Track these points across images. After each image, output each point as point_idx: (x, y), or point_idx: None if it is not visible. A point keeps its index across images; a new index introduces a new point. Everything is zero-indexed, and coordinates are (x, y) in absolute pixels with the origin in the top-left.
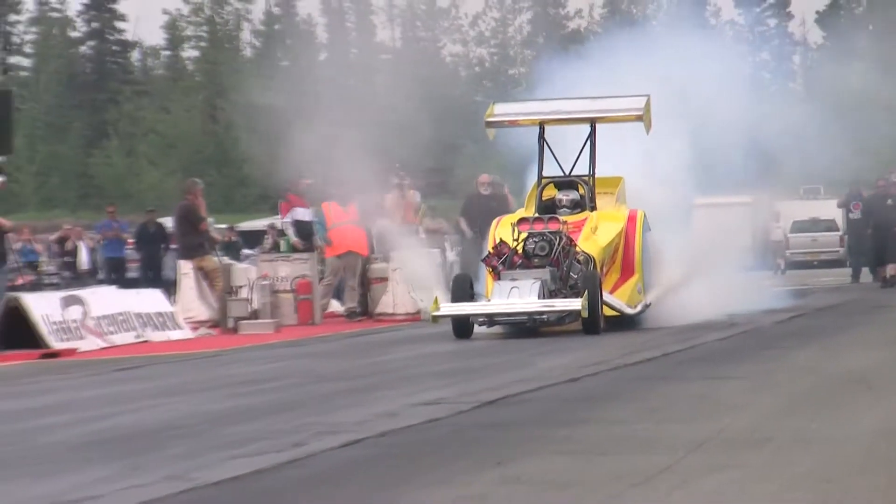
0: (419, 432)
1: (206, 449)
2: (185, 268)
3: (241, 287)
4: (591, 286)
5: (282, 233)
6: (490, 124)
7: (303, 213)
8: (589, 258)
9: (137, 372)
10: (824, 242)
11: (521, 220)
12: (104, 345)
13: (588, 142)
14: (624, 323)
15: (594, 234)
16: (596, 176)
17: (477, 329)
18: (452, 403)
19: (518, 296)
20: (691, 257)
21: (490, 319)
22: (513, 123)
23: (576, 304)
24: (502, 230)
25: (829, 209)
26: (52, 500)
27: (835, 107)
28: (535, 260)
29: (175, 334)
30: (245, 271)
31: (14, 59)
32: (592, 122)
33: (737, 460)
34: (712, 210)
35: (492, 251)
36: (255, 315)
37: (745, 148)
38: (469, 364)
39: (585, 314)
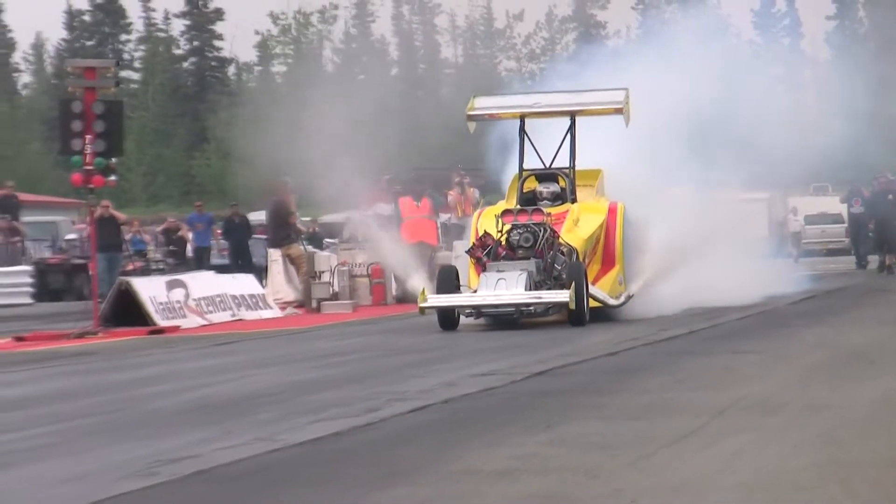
0: (477, 400)
1: (290, 414)
2: (275, 255)
3: (323, 272)
4: (576, 278)
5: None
6: (471, 118)
7: (382, 208)
8: (572, 250)
9: (232, 346)
10: (831, 233)
11: (506, 212)
12: (203, 323)
13: (568, 135)
14: (631, 310)
15: (576, 226)
16: (576, 168)
17: (463, 320)
18: (505, 374)
19: (505, 287)
20: (673, 248)
21: (477, 311)
22: (493, 117)
23: (563, 295)
24: (486, 222)
25: (836, 204)
26: (157, 458)
27: (841, 116)
28: (520, 251)
29: (265, 313)
30: (327, 258)
31: (125, 73)
32: (572, 116)
33: (755, 424)
34: (730, 204)
35: (476, 242)
36: (335, 296)
37: (762, 149)
38: (519, 340)
39: (573, 306)
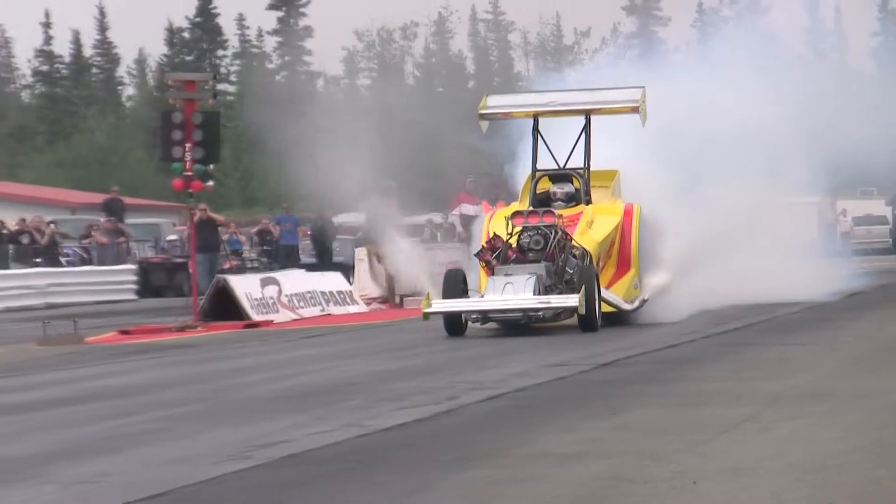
0: (548, 388)
1: (376, 401)
2: (361, 254)
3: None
4: (587, 282)
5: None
6: (483, 116)
7: (467, 209)
8: (585, 252)
9: (321, 339)
10: (877, 234)
11: (515, 214)
12: (295, 317)
13: (583, 134)
14: (677, 306)
15: (590, 228)
16: (591, 169)
17: (471, 325)
18: (574, 365)
19: (513, 292)
20: (696, 250)
21: (483, 316)
22: (506, 115)
23: (573, 300)
24: (496, 224)
25: (881, 207)
26: (252, 442)
27: (886, 126)
28: (530, 254)
29: (352, 308)
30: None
31: (222, 86)
32: (587, 115)
33: (806, 411)
34: (776, 207)
35: (485, 245)
36: (416, 293)
37: (813, 156)
38: (584, 335)
39: (582, 311)
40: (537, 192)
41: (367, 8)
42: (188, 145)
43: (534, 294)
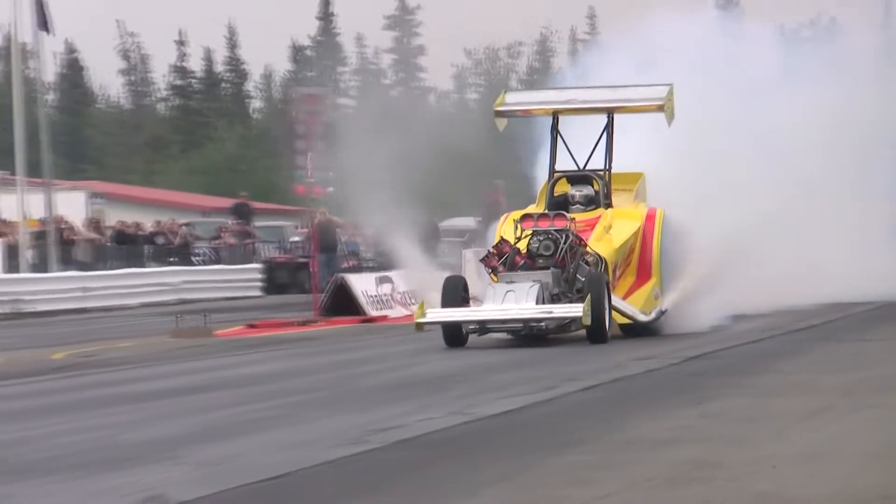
0: (640, 379)
1: (480, 391)
2: (469, 256)
3: None
4: (595, 290)
5: None
6: (500, 114)
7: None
8: (600, 259)
9: (430, 334)
10: None
11: (525, 217)
12: (407, 313)
13: (605, 133)
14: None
15: (607, 234)
16: (613, 171)
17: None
18: (664, 358)
19: (514, 300)
20: (715, 258)
21: (481, 326)
22: (525, 113)
23: (577, 310)
24: (507, 228)
25: None
26: (368, 428)
27: None
28: (539, 260)
29: None
30: None
31: (341, 100)
32: (610, 113)
33: (879, 401)
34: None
35: (492, 251)
36: None
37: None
38: (674, 329)
39: (587, 322)
40: (555, 194)
41: (475, 28)
42: (310, 154)
43: (537, 303)
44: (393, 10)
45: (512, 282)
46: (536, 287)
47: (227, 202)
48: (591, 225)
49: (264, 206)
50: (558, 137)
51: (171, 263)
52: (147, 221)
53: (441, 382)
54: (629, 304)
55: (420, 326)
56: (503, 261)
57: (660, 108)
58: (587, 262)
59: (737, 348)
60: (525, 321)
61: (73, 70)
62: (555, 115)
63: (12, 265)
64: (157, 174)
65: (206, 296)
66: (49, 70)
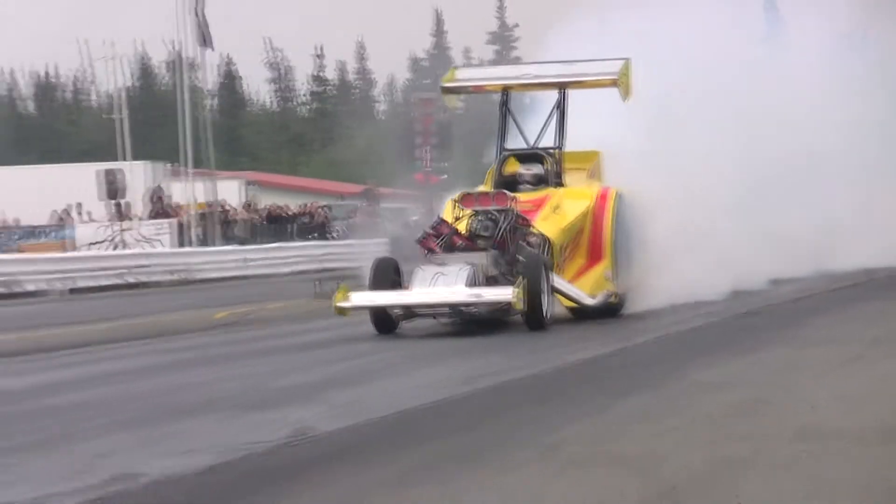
0: (699, 331)
1: (551, 346)
2: None
3: None
4: (531, 272)
5: None
6: (447, 90)
7: None
8: (545, 240)
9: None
10: None
11: (465, 196)
12: None
13: (556, 110)
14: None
15: (555, 214)
16: (566, 150)
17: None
18: (720, 314)
19: (443, 283)
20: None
21: (407, 311)
22: (476, 90)
23: (507, 293)
24: (448, 208)
25: None
26: (473, 374)
27: None
28: (479, 241)
29: None
30: None
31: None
32: (562, 88)
33: None
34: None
35: (429, 231)
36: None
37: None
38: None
39: (520, 306)
40: (504, 174)
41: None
42: (427, 148)
43: (468, 286)
44: (494, 27)
45: (443, 264)
46: (468, 269)
47: (358, 188)
48: (539, 204)
49: (389, 192)
50: (508, 114)
51: (312, 239)
52: (292, 204)
53: (542, 338)
54: (575, 287)
55: (340, 311)
56: (441, 241)
57: (614, 84)
58: (530, 244)
59: (780, 305)
60: (453, 305)
61: (229, 79)
62: (505, 90)
63: (182, 241)
64: (301, 165)
65: (342, 265)
66: (210, 80)
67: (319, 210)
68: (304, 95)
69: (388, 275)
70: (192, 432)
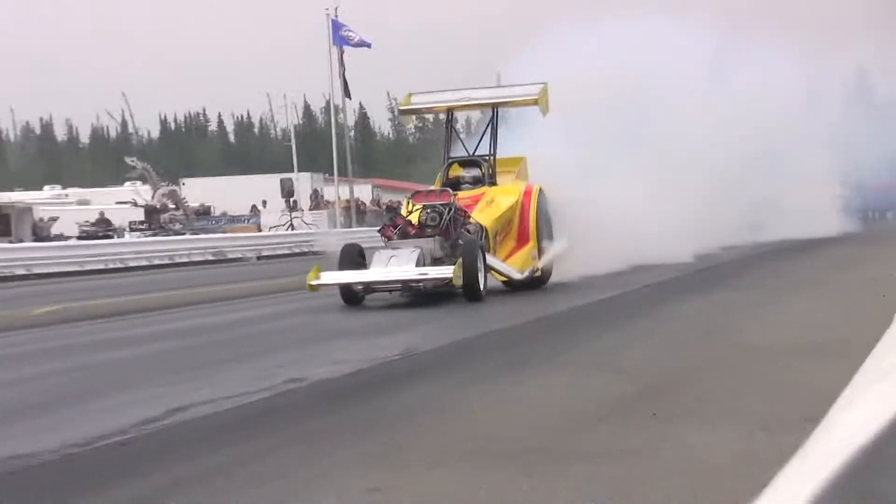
0: (669, 284)
1: (550, 297)
2: None
3: None
4: (467, 254)
5: None
6: (403, 112)
7: None
8: (480, 228)
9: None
10: None
11: (415, 194)
12: None
13: (490, 125)
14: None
15: (489, 207)
16: (498, 157)
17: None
18: (684, 271)
19: (396, 264)
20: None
21: (366, 287)
22: (426, 111)
23: (448, 271)
24: (405, 204)
25: None
26: (473, 322)
27: None
28: (427, 230)
29: None
30: None
31: None
32: (494, 107)
33: (807, 293)
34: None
35: (388, 223)
36: None
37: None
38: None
39: (458, 282)
40: (449, 176)
41: None
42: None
43: (417, 266)
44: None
45: (397, 248)
46: (417, 252)
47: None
48: (476, 200)
49: None
50: (452, 130)
51: None
52: (403, 199)
53: (547, 292)
54: (505, 264)
55: (312, 287)
56: (397, 231)
57: (535, 103)
58: (468, 231)
59: (718, 267)
60: (404, 282)
61: (363, 118)
62: (449, 111)
63: (332, 224)
64: (410, 173)
65: None
66: (350, 119)
67: None
68: (411, 128)
69: (353, 257)
70: (337, 351)
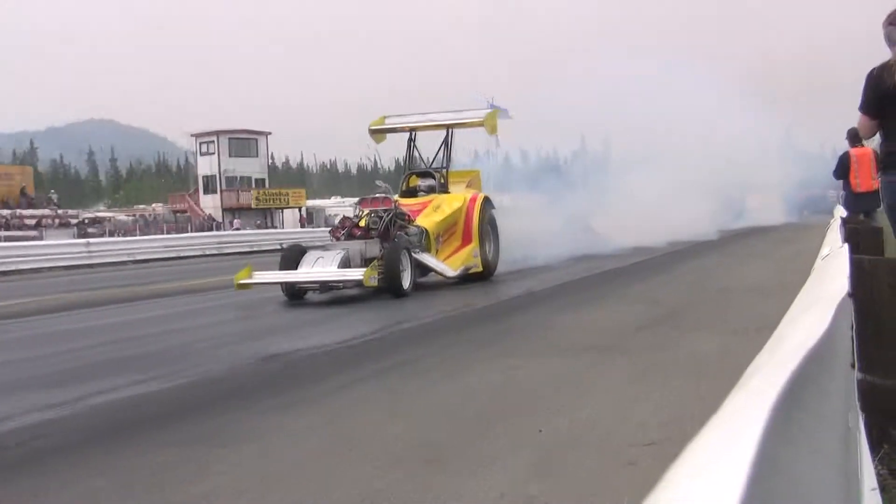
0: (606, 274)
1: (487, 293)
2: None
3: None
4: (391, 255)
5: None
6: (373, 132)
7: None
8: (422, 231)
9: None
10: None
11: (362, 200)
12: None
13: (444, 143)
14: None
15: (434, 212)
16: (452, 169)
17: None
18: (617, 266)
19: (321, 265)
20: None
21: (290, 286)
22: (393, 131)
23: (359, 273)
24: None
25: None
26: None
27: None
28: (372, 232)
29: None
30: None
31: None
32: (448, 128)
33: (691, 278)
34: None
35: (337, 224)
36: None
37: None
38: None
39: (369, 283)
40: (409, 186)
41: None
42: None
43: (339, 267)
44: None
45: (327, 249)
46: (342, 254)
47: None
48: (425, 206)
49: None
50: (413, 147)
51: None
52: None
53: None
54: (440, 262)
55: (240, 286)
56: (344, 232)
57: (481, 124)
58: (409, 233)
59: (655, 259)
60: (323, 282)
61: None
62: (411, 131)
63: None
64: None
65: None
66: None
67: None
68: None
69: (294, 257)
70: (467, 297)
